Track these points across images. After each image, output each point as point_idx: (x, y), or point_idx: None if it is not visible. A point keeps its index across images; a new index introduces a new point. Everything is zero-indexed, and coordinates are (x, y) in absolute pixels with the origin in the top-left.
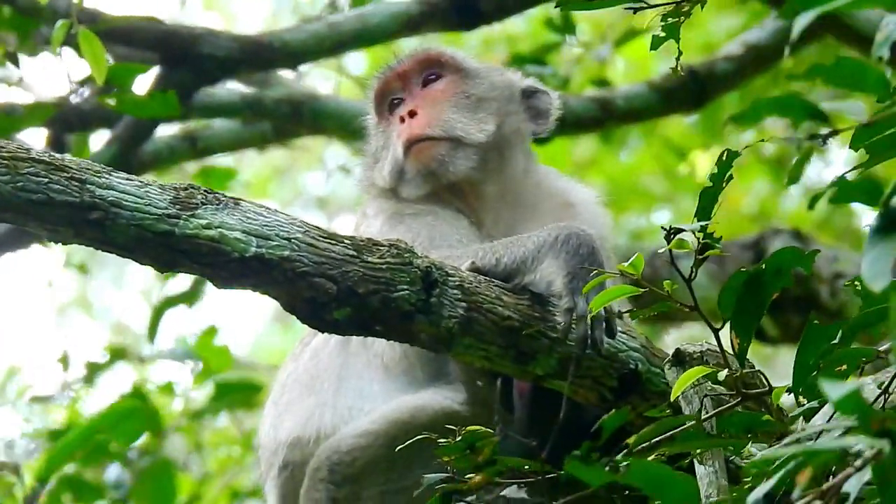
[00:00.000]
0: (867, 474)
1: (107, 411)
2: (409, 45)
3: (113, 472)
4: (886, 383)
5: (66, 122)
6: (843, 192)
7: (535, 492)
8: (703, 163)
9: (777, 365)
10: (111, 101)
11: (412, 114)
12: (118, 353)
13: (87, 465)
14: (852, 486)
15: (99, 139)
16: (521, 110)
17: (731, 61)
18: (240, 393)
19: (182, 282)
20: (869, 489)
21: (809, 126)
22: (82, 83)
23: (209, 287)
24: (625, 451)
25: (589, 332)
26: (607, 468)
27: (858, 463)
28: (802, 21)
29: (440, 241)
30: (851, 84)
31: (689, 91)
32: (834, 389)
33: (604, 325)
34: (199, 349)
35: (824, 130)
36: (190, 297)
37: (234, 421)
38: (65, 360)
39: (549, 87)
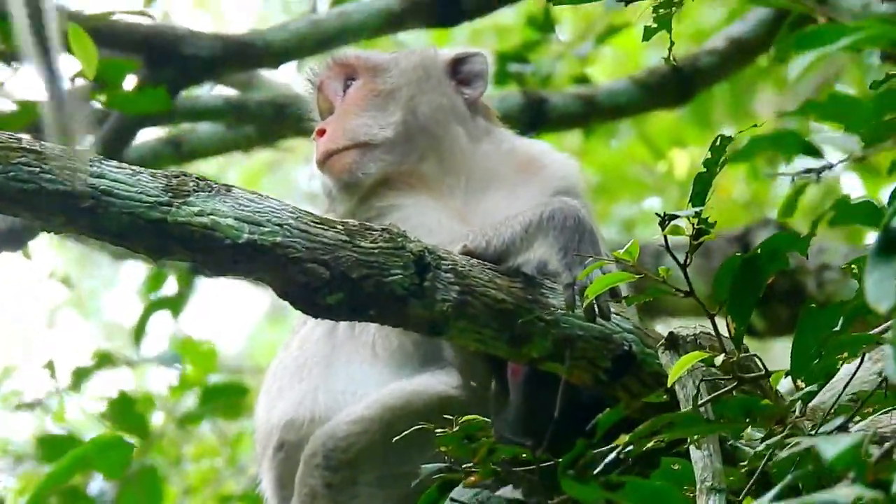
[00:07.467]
0: None
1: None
2: (390, 42)
3: (96, 483)
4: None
5: None
6: (843, 213)
7: (531, 492)
8: (681, 160)
9: (767, 359)
10: (101, 98)
11: (321, 133)
12: (105, 359)
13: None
14: None
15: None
16: (446, 83)
17: (714, 55)
18: (226, 397)
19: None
20: None
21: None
22: (72, 79)
23: (198, 289)
24: (619, 450)
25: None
26: (602, 486)
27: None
28: (802, 62)
29: (419, 230)
30: (842, 119)
31: (673, 86)
32: (830, 447)
33: (608, 294)
34: (185, 352)
35: (821, 162)
36: (175, 304)
37: (217, 432)
38: (51, 366)
39: (530, 85)
